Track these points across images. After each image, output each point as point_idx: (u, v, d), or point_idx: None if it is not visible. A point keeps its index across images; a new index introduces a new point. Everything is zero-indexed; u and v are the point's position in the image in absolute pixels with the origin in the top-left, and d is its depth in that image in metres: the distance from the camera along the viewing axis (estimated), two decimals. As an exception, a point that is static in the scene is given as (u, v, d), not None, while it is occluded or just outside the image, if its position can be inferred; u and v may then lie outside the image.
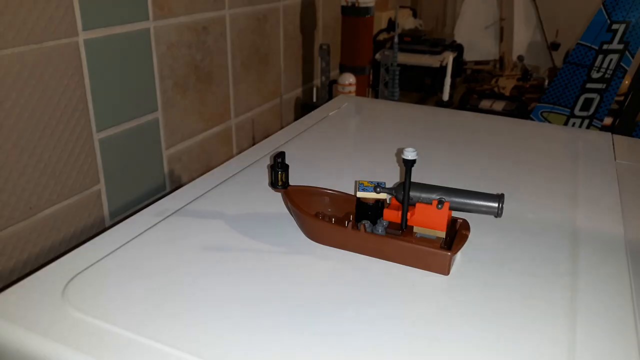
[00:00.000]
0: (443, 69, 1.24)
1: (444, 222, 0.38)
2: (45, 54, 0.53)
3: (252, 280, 0.36)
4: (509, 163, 0.58)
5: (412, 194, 0.39)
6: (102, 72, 0.60)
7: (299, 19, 1.02)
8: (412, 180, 0.39)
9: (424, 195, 0.39)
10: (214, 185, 0.50)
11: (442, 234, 0.38)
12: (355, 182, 0.41)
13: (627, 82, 1.20)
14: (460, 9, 1.76)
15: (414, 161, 0.38)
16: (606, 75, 1.14)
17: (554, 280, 0.37)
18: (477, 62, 1.64)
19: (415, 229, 0.39)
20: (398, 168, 0.55)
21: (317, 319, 0.33)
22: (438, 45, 1.32)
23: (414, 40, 1.34)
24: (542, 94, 1.22)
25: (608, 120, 1.14)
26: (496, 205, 0.38)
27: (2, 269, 0.53)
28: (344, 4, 1.01)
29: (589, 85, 1.14)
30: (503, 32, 1.74)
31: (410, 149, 0.38)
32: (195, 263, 0.38)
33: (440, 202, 0.38)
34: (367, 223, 0.40)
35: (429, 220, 0.38)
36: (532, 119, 1.16)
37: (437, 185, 0.39)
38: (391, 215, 0.40)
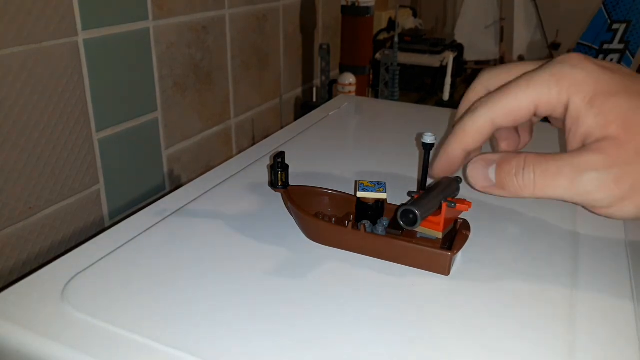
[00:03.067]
0: (443, 68, 1.24)
1: (441, 223, 0.38)
2: (45, 53, 0.53)
3: (252, 280, 0.36)
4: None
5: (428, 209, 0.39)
6: (101, 71, 0.60)
7: (299, 19, 1.02)
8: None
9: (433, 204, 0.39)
10: (214, 185, 0.50)
11: (440, 234, 0.38)
12: (355, 182, 0.41)
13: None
14: (460, 9, 1.77)
15: (432, 145, 0.40)
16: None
17: (554, 280, 0.37)
18: (477, 62, 1.64)
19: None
20: (398, 168, 0.55)
21: (317, 319, 0.32)
22: (438, 45, 1.32)
23: (414, 40, 1.34)
24: (542, 93, 1.22)
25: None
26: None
27: (2, 269, 0.53)
28: (344, 3, 1.01)
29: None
30: (503, 32, 1.74)
31: (429, 134, 0.40)
32: (195, 263, 0.38)
33: (450, 201, 0.38)
34: (367, 223, 0.40)
35: (427, 221, 0.38)
36: (532, 119, 1.16)
37: (429, 193, 0.39)
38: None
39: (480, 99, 0.36)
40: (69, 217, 0.59)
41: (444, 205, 0.37)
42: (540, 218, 0.46)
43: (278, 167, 0.42)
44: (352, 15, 1.01)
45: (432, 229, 0.38)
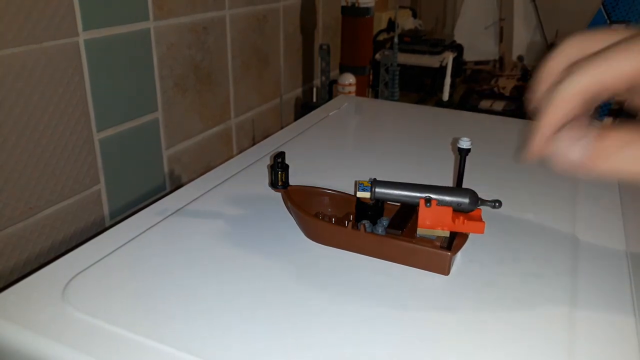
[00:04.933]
0: (443, 69, 1.24)
1: (418, 219, 0.38)
2: (45, 54, 0.53)
3: (252, 280, 0.36)
4: (509, 163, 0.58)
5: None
6: (102, 72, 0.60)
7: (299, 19, 1.02)
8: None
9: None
10: (214, 185, 0.50)
11: (447, 233, 0.38)
12: (355, 182, 0.41)
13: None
14: (460, 9, 1.76)
15: (468, 150, 0.40)
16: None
17: (554, 280, 0.37)
18: (477, 62, 1.64)
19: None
20: (398, 168, 0.55)
21: (317, 319, 0.33)
22: (438, 45, 1.32)
23: (413, 41, 1.34)
24: (542, 94, 1.21)
25: (608, 121, 1.14)
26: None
27: (2, 269, 0.53)
28: (344, 4, 1.01)
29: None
30: (503, 33, 1.74)
31: (465, 138, 0.40)
32: (196, 263, 0.38)
33: (428, 200, 0.37)
34: (367, 223, 0.40)
35: (436, 221, 0.38)
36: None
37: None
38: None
39: (574, 64, 0.31)
40: (69, 217, 0.59)
41: (422, 201, 0.37)
42: (540, 218, 0.46)
43: (278, 167, 0.42)
44: (352, 15, 1.01)
45: (442, 228, 0.38)
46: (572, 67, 0.31)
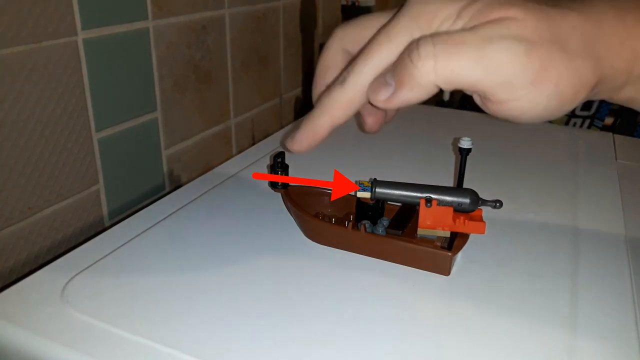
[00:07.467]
0: (443, 68, 1.24)
1: (418, 219, 0.38)
2: (45, 53, 0.53)
3: (252, 281, 0.36)
4: (509, 163, 0.57)
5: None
6: (101, 71, 0.60)
7: (299, 19, 1.02)
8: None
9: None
10: (214, 185, 0.50)
11: (447, 234, 0.38)
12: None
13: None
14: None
15: (469, 150, 0.40)
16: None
17: (554, 280, 0.37)
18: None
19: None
20: (398, 167, 0.55)
21: (317, 320, 0.32)
22: (438, 45, 1.31)
23: (413, 40, 1.33)
24: (542, 93, 1.21)
25: (609, 120, 1.14)
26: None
27: (2, 269, 0.53)
28: (344, 3, 1.01)
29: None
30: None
31: (466, 138, 0.40)
32: (195, 263, 0.38)
33: (428, 200, 0.37)
34: (367, 223, 0.40)
35: (437, 221, 0.38)
36: (532, 119, 1.16)
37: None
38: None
39: (346, 68, 0.32)
40: (69, 217, 0.59)
41: (422, 201, 0.37)
42: (540, 218, 0.46)
43: (278, 167, 0.42)
44: (352, 15, 1.01)
45: (443, 228, 0.38)
46: (342, 75, 0.32)
